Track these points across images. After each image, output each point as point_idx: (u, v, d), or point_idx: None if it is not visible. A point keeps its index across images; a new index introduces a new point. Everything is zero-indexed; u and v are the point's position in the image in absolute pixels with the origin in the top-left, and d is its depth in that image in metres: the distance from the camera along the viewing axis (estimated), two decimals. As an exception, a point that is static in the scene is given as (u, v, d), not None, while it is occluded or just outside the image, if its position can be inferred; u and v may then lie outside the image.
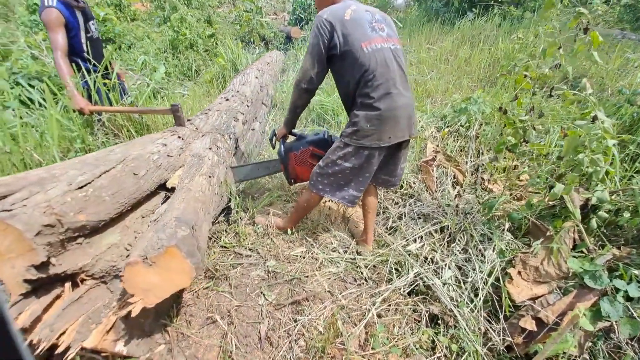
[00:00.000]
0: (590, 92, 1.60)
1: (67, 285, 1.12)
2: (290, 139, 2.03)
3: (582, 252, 1.67)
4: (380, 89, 1.56)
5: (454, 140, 3.05)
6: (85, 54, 2.34)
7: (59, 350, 1.02)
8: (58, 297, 1.11)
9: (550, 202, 1.77)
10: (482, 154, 2.71)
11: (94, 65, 2.25)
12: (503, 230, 1.91)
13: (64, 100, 2.06)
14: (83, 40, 2.31)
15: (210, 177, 1.63)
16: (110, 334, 1.14)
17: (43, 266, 1.01)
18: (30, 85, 3.60)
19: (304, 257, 1.85)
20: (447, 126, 3.23)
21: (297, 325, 1.50)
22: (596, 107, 1.60)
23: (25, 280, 0.99)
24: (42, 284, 1.09)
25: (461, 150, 2.99)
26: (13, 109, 2.75)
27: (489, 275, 1.72)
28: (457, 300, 1.64)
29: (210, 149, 1.85)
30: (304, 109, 1.85)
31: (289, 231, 2.00)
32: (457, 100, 3.38)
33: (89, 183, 1.19)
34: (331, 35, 1.55)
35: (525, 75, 1.63)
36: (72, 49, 2.22)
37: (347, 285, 1.74)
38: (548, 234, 1.79)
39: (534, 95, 3.05)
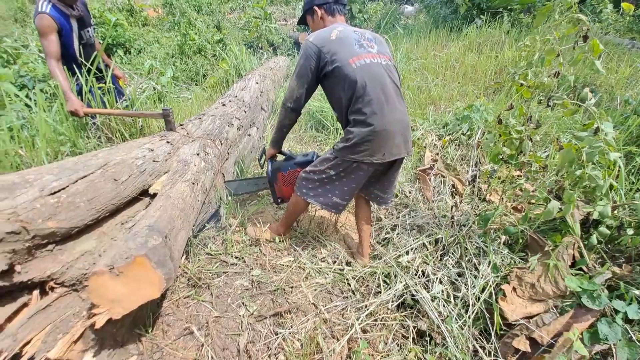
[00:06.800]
0: (592, 102, 1.52)
1: (35, 293, 1.10)
2: (280, 157, 2.05)
3: (581, 269, 1.59)
4: (372, 104, 1.56)
5: (455, 149, 2.98)
6: (79, 60, 2.36)
7: (22, 360, 1.00)
8: (25, 305, 1.09)
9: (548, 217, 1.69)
10: (481, 163, 2.64)
11: (88, 69, 2.27)
12: (499, 243, 1.83)
13: (58, 103, 2.07)
14: (76, 46, 2.33)
15: (193, 183, 1.61)
16: (79, 345, 1.11)
17: (6, 274, 0.99)
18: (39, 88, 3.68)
19: (291, 267, 1.80)
20: (449, 134, 3.16)
21: (277, 338, 1.45)
22: (598, 118, 1.52)
23: (-12, 288, 0.97)
24: (10, 292, 1.08)
25: (462, 159, 2.91)
26: (17, 111, 2.80)
27: (482, 291, 1.64)
28: (445, 316, 1.57)
29: (197, 154, 1.82)
30: (291, 128, 1.88)
31: (277, 239, 1.96)
32: (459, 108, 3.31)
33: (63, 189, 1.17)
34: (318, 56, 1.61)
35: (522, 84, 1.56)
36: (65, 54, 2.24)
37: (332, 297, 1.68)
38: (546, 248, 1.71)
39: (539, 103, 2.97)
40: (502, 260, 1.76)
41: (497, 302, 1.56)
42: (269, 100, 3.75)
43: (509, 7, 6.26)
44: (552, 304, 1.56)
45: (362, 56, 1.60)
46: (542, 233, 1.83)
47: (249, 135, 2.82)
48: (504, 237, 1.82)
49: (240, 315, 1.52)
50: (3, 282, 0.98)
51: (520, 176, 2.43)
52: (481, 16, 6.42)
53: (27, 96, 3.24)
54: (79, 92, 2.29)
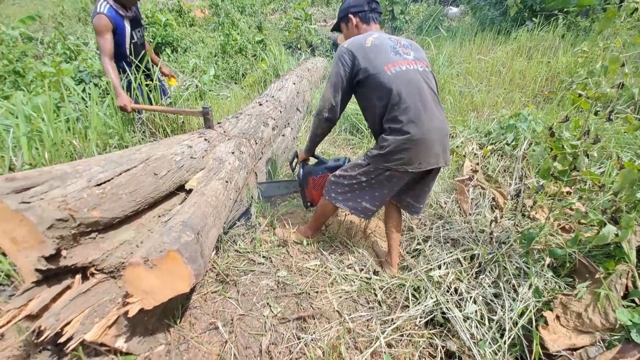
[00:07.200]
0: (660, 117, 1.36)
1: (78, 277, 1.17)
2: (312, 161, 2.06)
3: (633, 301, 1.43)
4: (409, 111, 1.51)
5: (497, 159, 2.82)
6: (129, 58, 2.51)
7: (62, 339, 1.06)
8: (68, 287, 1.16)
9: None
10: (526, 176, 2.46)
11: (137, 67, 2.40)
12: (543, 265, 1.69)
13: (109, 98, 2.21)
14: (127, 45, 2.48)
15: (227, 182, 1.64)
16: (112, 329, 1.17)
17: (54, 258, 1.05)
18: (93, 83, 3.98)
19: (317, 271, 1.79)
20: (491, 143, 2.99)
21: (299, 343, 1.44)
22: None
23: (37, 270, 1.04)
24: (57, 274, 1.15)
25: (504, 171, 2.74)
26: (75, 104, 3.03)
27: (521, 315, 1.53)
28: (478, 339, 1.47)
29: (233, 153, 1.86)
30: (324, 137, 1.88)
31: (305, 241, 1.95)
32: (504, 116, 3.12)
33: (108, 181, 1.23)
34: (352, 63, 1.58)
35: (580, 95, 1.43)
36: (117, 52, 2.39)
37: (358, 306, 1.64)
38: (597, 276, 1.56)
39: (596, 115, 2.73)
40: (545, 285, 1.62)
41: (537, 329, 1.44)
42: (305, 101, 3.76)
43: (565, 10, 5.83)
44: (600, 337, 1.42)
45: (398, 63, 1.56)
46: (592, 258, 1.67)
47: (283, 135, 2.84)
48: (548, 259, 1.68)
49: (264, 316, 1.53)
50: (50, 265, 1.05)
51: (571, 193, 2.24)
52: (533, 19, 6.03)
53: (83, 90, 3.51)
54: (128, 88, 2.44)
